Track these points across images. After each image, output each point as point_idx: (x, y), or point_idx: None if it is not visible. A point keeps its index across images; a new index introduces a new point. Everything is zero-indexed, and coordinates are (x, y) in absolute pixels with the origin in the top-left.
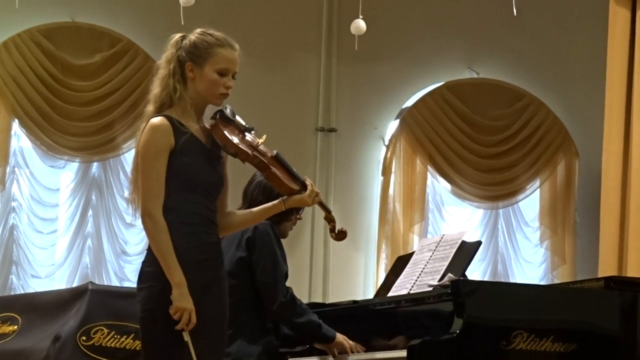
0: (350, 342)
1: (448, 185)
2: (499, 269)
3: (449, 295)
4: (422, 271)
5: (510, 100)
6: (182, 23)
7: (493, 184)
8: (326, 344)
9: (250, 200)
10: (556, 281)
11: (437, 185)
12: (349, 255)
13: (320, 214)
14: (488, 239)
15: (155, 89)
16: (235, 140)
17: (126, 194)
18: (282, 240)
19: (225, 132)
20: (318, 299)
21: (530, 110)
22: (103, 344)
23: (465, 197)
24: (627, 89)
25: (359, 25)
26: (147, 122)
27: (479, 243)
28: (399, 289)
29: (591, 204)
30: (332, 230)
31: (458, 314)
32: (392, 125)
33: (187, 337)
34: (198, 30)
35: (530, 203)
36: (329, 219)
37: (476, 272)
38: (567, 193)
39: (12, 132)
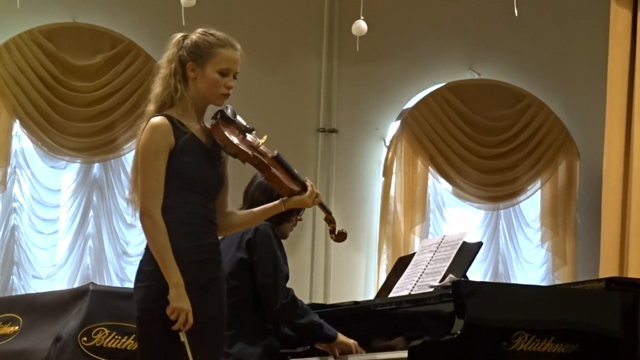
0: (351, 340)
1: (449, 186)
2: (500, 269)
3: (450, 296)
4: (423, 272)
5: (511, 101)
6: (184, 24)
7: (494, 184)
8: (328, 343)
9: (251, 200)
10: (557, 282)
11: (438, 186)
12: (350, 256)
13: (321, 214)
14: (489, 240)
15: (157, 88)
16: (236, 140)
17: (127, 194)
18: (283, 241)
19: (226, 133)
20: (319, 299)
21: (531, 111)
22: (104, 345)
23: (466, 197)
24: (628, 89)
25: (360, 25)
26: (148, 121)
27: (480, 244)
28: (400, 289)
29: (592, 205)
30: (332, 231)
31: (459, 314)
32: (393, 126)
33: (183, 337)
34: (200, 30)
35: (531, 204)
36: (329, 220)
37: (477, 273)
38: (568, 194)
39: (13, 133)
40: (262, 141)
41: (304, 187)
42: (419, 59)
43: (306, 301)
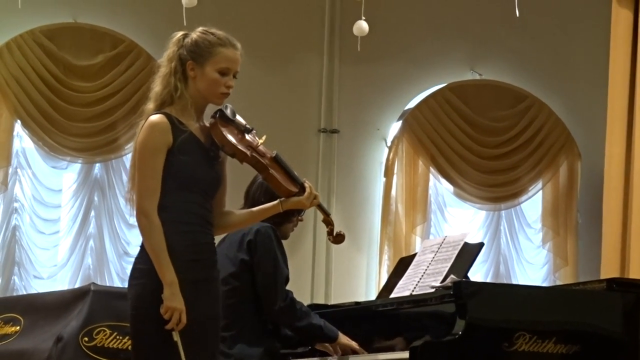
0: (353, 342)
1: (450, 187)
2: (501, 270)
3: (451, 296)
4: (424, 272)
5: (512, 101)
6: (185, 24)
7: (495, 185)
8: (329, 343)
9: (252, 201)
10: (558, 283)
11: (440, 187)
12: (351, 257)
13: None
14: (490, 241)
15: (156, 87)
16: (234, 140)
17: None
18: (285, 242)
19: (224, 132)
20: (320, 300)
21: (532, 111)
22: (105, 345)
23: (467, 198)
24: (629, 90)
25: (362, 26)
26: (147, 119)
27: (481, 244)
28: (402, 290)
29: (593, 206)
30: (330, 233)
31: (460, 315)
32: (395, 127)
33: (176, 336)
34: (200, 28)
35: (533, 204)
36: (327, 221)
37: (478, 273)
38: (570, 194)
39: (15, 133)
40: (261, 141)
41: (302, 189)
42: (420, 60)
43: (307, 302)
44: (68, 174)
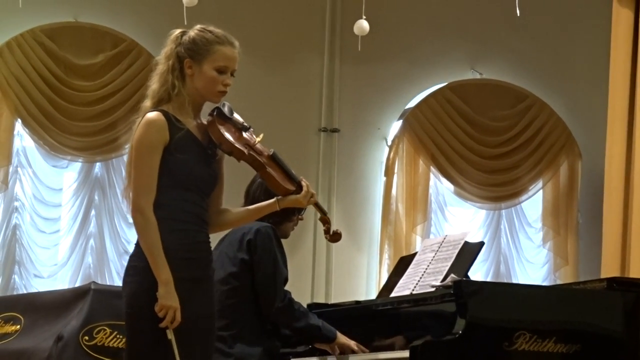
0: (352, 341)
1: (451, 186)
2: (502, 269)
3: (451, 295)
4: (424, 272)
5: (513, 101)
6: (185, 23)
7: (496, 184)
8: (328, 343)
9: (252, 200)
10: (559, 282)
11: (440, 186)
12: (351, 256)
13: None
14: (491, 240)
15: (154, 84)
16: (231, 138)
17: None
18: (285, 241)
19: (222, 130)
20: (321, 299)
21: (533, 111)
22: (105, 344)
23: (468, 197)
24: (630, 90)
25: (362, 25)
26: (143, 116)
27: (481, 244)
28: (402, 289)
29: (594, 205)
30: (327, 231)
31: (460, 314)
32: (395, 126)
33: (171, 335)
34: (198, 26)
35: (533, 204)
36: (324, 220)
37: (479, 272)
38: (570, 194)
39: (15, 132)
40: (258, 139)
41: (299, 187)
42: (421, 59)
43: (308, 301)
44: (68, 173)
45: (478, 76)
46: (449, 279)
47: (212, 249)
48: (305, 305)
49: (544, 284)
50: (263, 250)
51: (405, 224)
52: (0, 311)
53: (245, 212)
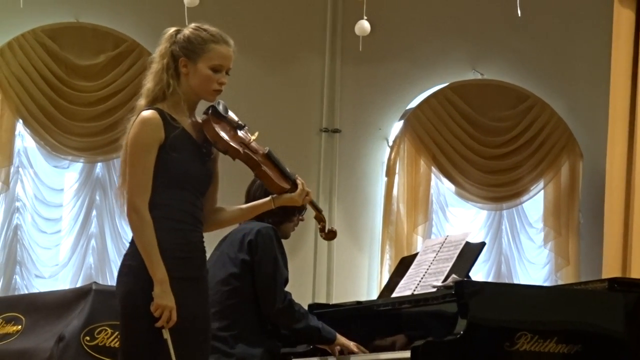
0: (352, 342)
1: (452, 186)
2: (503, 270)
3: (452, 296)
4: (426, 272)
5: (514, 101)
6: (187, 23)
7: (497, 185)
8: (327, 345)
9: (252, 200)
10: (560, 282)
11: (441, 186)
12: (352, 256)
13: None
14: (492, 240)
15: (148, 83)
16: (226, 137)
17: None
18: (286, 241)
19: (217, 129)
20: (322, 299)
21: (534, 111)
22: (107, 344)
23: (469, 198)
24: (631, 90)
25: (363, 26)
26: (138, 115)
27: (482, 244)
28: (403, 289)
29: (595, 206)
30: (322, 230)
31: (462, 315)
32: (396, 126)
33: (166, 334)
34: (193, 25)
35: (534, 204)
36: (319, 218)
37: (480, 273)
38: (571, 194)
39: (17, 133)
40: (253, 138)
41: (294, 185)
42: (422, 59)
43: (309, 301)
44: (70, 174)
45: (479, 76)
46: (450, 279)
47: (213, 249)
48: (306, 306)
49: (545, 284)
50: (264, 251)
51: (407, 225)
52: (2, 311)
53: (240, 211)
